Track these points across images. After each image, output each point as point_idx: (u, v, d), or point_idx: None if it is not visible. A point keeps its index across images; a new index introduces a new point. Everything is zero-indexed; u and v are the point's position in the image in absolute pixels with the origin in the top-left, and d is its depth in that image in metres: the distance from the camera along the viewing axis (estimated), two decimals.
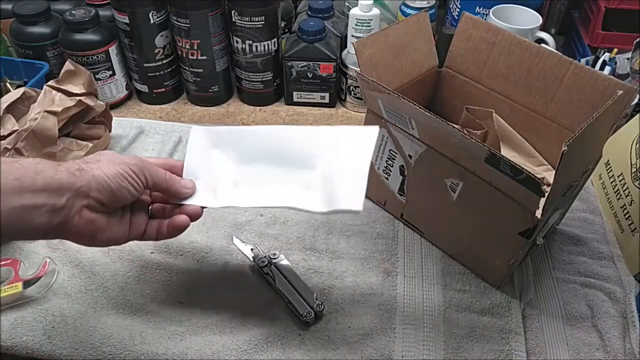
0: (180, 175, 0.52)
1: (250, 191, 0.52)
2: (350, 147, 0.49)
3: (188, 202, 0.51)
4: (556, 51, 0.66)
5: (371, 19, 0.82)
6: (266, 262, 0.59)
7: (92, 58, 0.81)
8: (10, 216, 0.38)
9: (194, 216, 0.51)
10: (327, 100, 0.89)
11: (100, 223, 0.44)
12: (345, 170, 0.48)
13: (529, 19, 0.86)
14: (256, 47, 0.82)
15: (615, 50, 0.86)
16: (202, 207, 0.52)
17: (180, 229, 0.50)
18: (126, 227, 0.48)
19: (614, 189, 0.68)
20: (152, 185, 0.48)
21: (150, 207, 0.52)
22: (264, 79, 0.87)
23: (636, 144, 0.66)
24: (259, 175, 0.52)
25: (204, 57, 0.83)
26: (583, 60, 0.89)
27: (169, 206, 0.51)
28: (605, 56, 0.85)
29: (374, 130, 0.49)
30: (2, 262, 0.58)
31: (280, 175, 0.51)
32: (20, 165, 0.40)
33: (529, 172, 0.46)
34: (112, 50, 0.82)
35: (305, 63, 0.84)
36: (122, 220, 0.47)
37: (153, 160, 0.51)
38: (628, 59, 0.84)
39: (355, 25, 0.82)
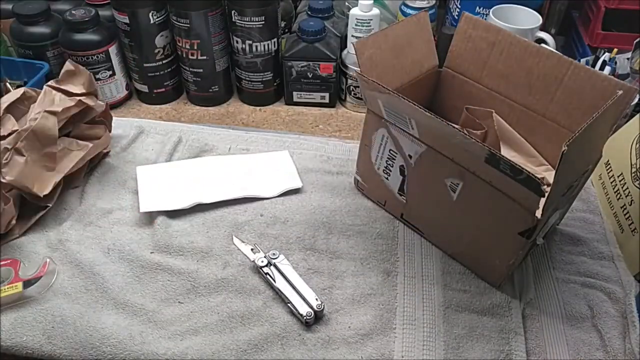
0: None
1: (209, 192, 0.68)
2: (272, 161, 0.74)
3: (157, 208, 0.65)
4: (556, 51, 0.66)
5: (371, 19, 0.82)
6: (266, 262, 0.59)
7: (92, 58, 0.81)
8: None
9: None
10: (327, 100, 0.89)
11: None
12: (277, 170, 0.72)
13: (529, 19, 0.86)
14: (256, 47, 0.82)
15: (615, 50, 0.86)
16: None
17: None
18: None
19: (614, 189, 0.68)
20: None
21: None
22: (264, 79, 0.87)
23: (636, 144, 0.66)
24: (212, 183, 0.69)
25: (204, 57, 0.83)
26: (583, 60, 0.89)
27: None
28: (605, 56, 0.85)
29: (285, 154, 0.75)
30: (2, 262, 0.58)
31: (230, 181, 0.70)
32: None
33: (529, 172, 0.46)
34: (112, 50, 0.82)
35: (305, 63, 0.84)
36: None
37: None
38: (628, 59, 0.84)
39: (355, 25, 0.82)
